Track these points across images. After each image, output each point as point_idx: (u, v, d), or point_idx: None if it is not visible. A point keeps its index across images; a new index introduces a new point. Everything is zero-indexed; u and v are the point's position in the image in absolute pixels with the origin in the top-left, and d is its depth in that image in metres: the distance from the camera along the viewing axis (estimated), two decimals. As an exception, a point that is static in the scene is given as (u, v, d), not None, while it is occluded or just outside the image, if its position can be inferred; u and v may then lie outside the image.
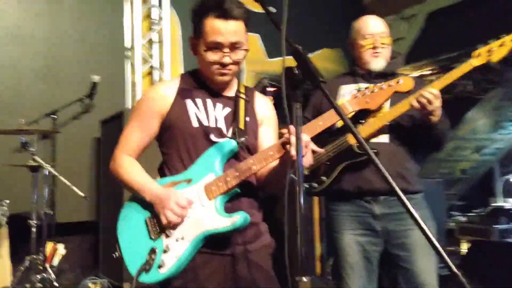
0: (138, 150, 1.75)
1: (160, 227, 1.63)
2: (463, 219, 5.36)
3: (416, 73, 5.02)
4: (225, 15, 1.61)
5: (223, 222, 1.58)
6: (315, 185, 2.34)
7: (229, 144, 1.66)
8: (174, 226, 1.59)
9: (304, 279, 1.10)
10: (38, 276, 3.07)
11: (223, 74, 1.69)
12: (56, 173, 3.13)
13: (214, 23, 1.62)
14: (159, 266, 1.57)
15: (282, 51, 1.09)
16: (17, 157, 3.25)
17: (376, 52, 2.31)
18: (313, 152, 2.28)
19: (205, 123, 1.71)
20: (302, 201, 1.06)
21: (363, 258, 2.26)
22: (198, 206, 1.60)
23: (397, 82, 1.82)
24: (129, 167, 1.71)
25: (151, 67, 4.54)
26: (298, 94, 1.10)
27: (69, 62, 4.18)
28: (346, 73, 2.50)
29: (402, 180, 2.21)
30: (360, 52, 2.35)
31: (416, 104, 2.08)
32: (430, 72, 5.02)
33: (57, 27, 4.19)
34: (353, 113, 1.83)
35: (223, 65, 1.66)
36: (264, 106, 1.88)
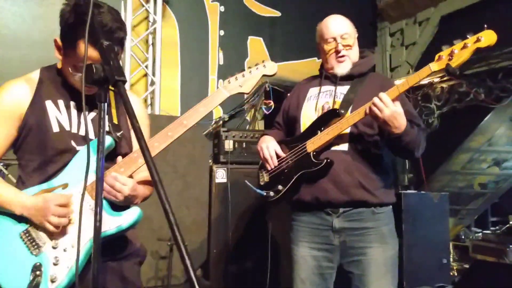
0: None
1: (41, 240, 1.47)
2: (479, 236, 5.03)
3: (426, 80, 4.74)
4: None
5: (114, 222, 1.49)
6: (272, 193, 2.23)
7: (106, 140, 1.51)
8: (59, 236, 1.45)
9: None
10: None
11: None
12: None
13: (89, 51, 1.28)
14: (52, 281, 1.44)
15: (85, 47, 0.98)
16: None
17: (340, 57, 2.20)
18: (278, 156, 2.18)
19: (67, 128, 1.56)
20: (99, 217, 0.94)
21: (318, 275, 2.13)
22: (85, 209, 1.44)
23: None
24: None
25: (146, 67, 4.45)
26: (102, 93, 0.98)
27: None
28: (316, 75, 2.38)
29: (362, 190, 2.06)
30: (326, 57, 2.26)
31: (368, 112, 1.93)
32: (439, 79, 4.73)
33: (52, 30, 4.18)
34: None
35: None
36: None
